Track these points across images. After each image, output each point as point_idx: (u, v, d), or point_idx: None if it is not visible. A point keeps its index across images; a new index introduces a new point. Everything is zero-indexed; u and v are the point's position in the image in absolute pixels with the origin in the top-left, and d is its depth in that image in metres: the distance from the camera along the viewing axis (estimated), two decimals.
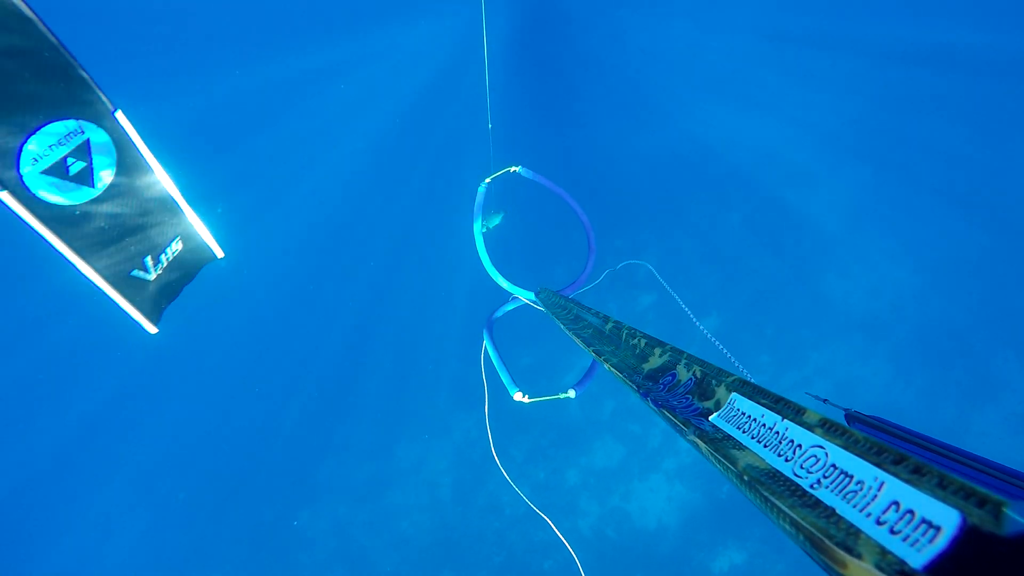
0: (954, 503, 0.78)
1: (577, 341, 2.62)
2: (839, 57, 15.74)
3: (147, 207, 2.50)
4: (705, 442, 1.34)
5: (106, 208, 2.30)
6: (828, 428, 1.11)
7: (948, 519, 0.77)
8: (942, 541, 0.75)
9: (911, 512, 0.83)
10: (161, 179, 2.53)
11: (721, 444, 1.31)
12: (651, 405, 1.69)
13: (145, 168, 2.44)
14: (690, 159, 16.91)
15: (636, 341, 2.19)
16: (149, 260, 2.58)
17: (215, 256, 2.96)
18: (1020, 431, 13.16)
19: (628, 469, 15.18)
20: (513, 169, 5.03)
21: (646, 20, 16.49)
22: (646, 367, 1.99)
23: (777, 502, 1.03)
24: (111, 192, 2.31)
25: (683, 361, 1.78)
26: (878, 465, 0.94)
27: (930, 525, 0.78)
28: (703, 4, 16.28)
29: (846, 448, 1.03)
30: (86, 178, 2.21)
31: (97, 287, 2.34)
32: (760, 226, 16.17)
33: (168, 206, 2.62)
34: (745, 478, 1.14)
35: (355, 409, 17.12)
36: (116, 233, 2.36)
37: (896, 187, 15.54)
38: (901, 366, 14.50)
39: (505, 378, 4.19)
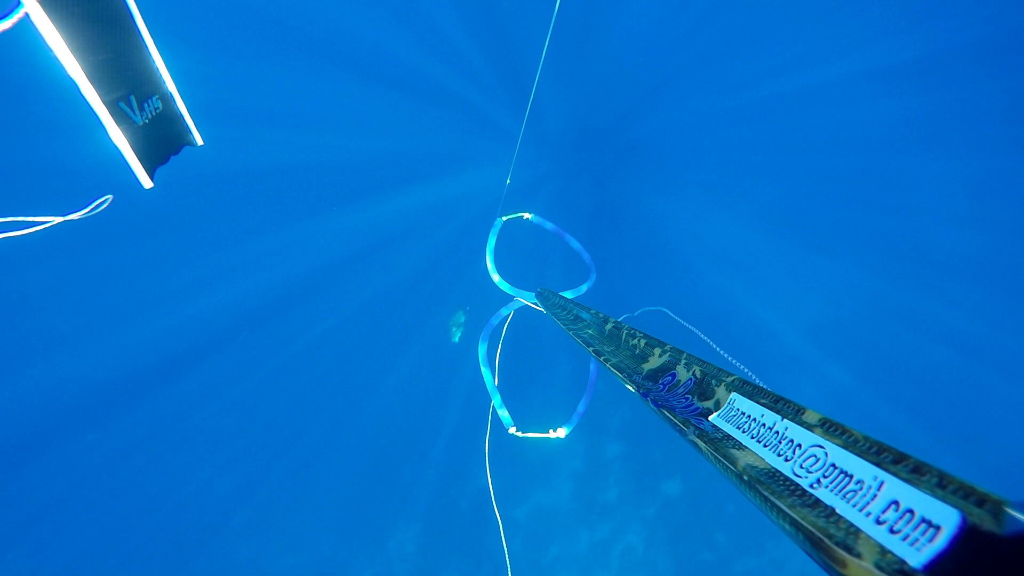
0: (954, 502, 0.78)
1: (577, 341, 2.62)
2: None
3: (126, 49, 2.42)
4: (705, 442, 1.34)
5: (83, 16, 2.16)
6: (828, 428, 1.11)
7: (948, 518, 0.77)
8: (942, 540, 0.75)
9: (911, 511, 0.83)
10: (144, 36, 2.46)
11: (721, 444, 1.31)
12: (651, 405, 1.69)
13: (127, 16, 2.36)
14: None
15: (636, 341, 2.18)
16: (134, 99, 2.48)
17: (195, 141, 2.91)
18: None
19: (573, 511, 15.24)
20: (526, 216, 5.39)
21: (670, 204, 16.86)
22: (646, 367, 1.99)
23: (777, 502, 1.03)
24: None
25: (683, 361, 1.78)
26: (878, 464, 0.94)
27: (930, 524, 0.78)
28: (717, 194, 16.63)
29: (846, 448, 1.03)
30: None
31: (89, 106, 2.25)
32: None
33: (148, 62, 2.54)
34: (745, 478, 1.14)
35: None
36: (98, 48, 2.24)
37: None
38: (850, 409, 14.66)
39: (498, 403, 4.32)
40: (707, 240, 16.86)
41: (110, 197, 4.05)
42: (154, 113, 2.63)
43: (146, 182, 2.61)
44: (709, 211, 16.82)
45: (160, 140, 2.71)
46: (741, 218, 16.67)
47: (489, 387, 4.50)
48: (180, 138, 2.85)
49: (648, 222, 17.15)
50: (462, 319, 8.34)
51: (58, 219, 2.83)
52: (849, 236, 15.80)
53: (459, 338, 8.48)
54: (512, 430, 4.26)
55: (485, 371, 4.59)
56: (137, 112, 2.50)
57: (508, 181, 6.10)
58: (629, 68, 15.42)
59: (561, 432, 4.32)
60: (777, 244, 16.41)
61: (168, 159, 2.77)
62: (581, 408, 4.58)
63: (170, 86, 2.71)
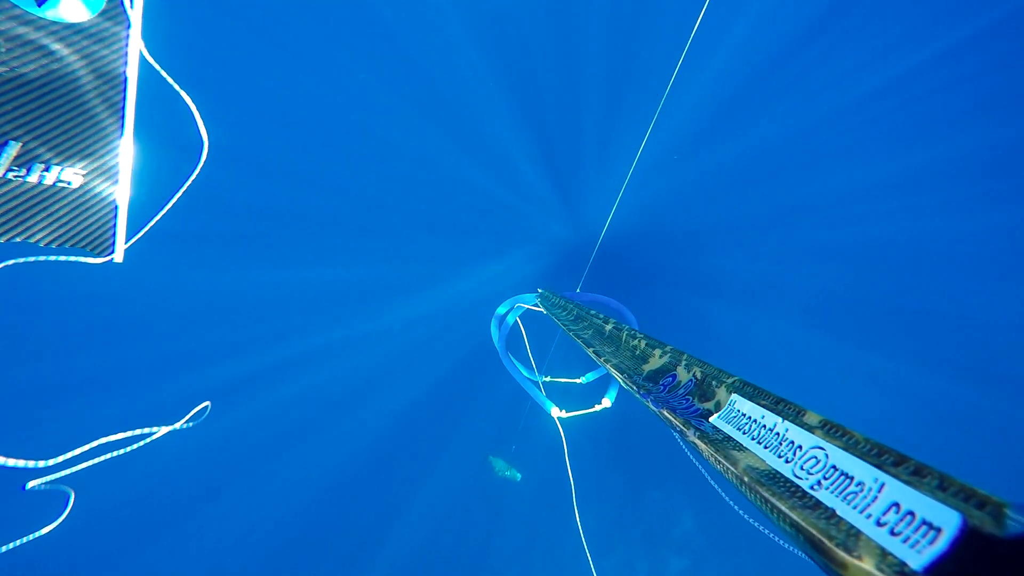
0: (955, 504, 0.78)
1: (578, 342, 2.62)
2: None
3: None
4: (705, 443, 1.34)
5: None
6: (829, 429, 1.11)
7: (949, 520, 0.76)
8: (943, 543, 0.75)
9: (911, 513, 0.83)
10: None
11: (722, 445, 1.31)
12: (651, 406, 1.69)
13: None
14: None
15: (636, 342, 2.18)
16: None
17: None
18: None
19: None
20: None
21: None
22: (646, 368, 1.99)
23: (778, 503, 1.03)
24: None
25: (683, 362, 1.78)
26: (878, 466, 0.94)
27: (931, 527, 0.78)
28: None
29: (846, 449, 1.03)
30: None
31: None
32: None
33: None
34: (746, 479, 1.14)
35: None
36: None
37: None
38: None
39: (537, 393, 4.26)
40: (752, 340, 16.64)
41: (208, 404, 4.11)
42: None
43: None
44: (750, 310, 16.52)
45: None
46: (785, 316, 16.33)
47: (522, 381, 4.43)
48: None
49: (688, 323, 16.95)
50: (504, 468, 8.36)
51: (166, 428, 2.89)
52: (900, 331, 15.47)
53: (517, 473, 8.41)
54: (556, 411, 4.13)
55: (516, 370, 4.52)
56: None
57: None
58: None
59: (606, 402, 4.23)
60: (823, 342, 16.19)
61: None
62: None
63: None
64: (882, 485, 0.91)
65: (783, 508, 1.00)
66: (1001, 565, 0.69)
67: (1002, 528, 0.70)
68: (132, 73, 2.15)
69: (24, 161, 2.08)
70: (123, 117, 2.19)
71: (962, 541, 0.74)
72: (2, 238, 2.13)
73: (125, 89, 2.18)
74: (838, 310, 15.47)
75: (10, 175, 2.07)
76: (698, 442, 1.37)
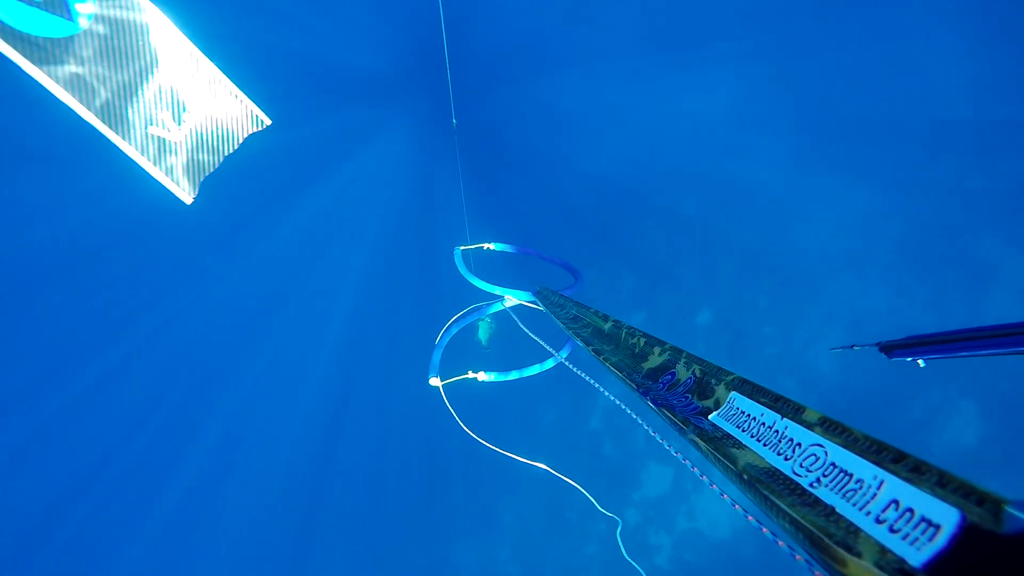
0: (954, 501, 0.78)
1: (576, 340, 2.62)
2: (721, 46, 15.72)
3: (154, 52, 2.22)
4: (705, 441, 1.34)
5: (94, 46, 2.01)
6: (827, 426, 1.11)
7: (948, 517, 0.77)
8: (942, 539, 0.75)
9: (911, 510, 0.83)
10: (162, 21, 2.23)
11: (721, 443, 1.31)
12: (650, 404, 1.69)
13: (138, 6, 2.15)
14: (628, 174, 16.91)
15: (635, 340, 2.18)
16: (167, 116, 2.35)
17: (261, 122, 2.68)
18: None
19: (682, 488, 15.04)
20: (487, 246, 5.48)
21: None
22: (645, 366, 1.99)
23: (777, 501, 1.03)
24: (99, 26, 2.02)
25: (682, 360, 1.78)
26: (877, 463, 0.94)
27: (930, 523, 0.78)
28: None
29: (845, 446, 1.03)
30: (59, 6, 1.93)
31: (113, 144, 2.15)
32: (714, 208, 16.10)
33: (183, 54, 2.32)
34: (745, 477, 1.14)
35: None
36: (116, 77, 2.10)
37: (819, 123, 15.44)
38: (898, 286, 14.37)
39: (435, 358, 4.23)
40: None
41: (619, 521, 4.37)
42: (201, 117, 2.49)
43: (186, 199, 2.51)
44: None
45: (210, 141, 2.56)
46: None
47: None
48: (238, 132, 2.62)
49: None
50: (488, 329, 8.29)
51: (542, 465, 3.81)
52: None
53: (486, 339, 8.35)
54: (434, 381, 4.09)
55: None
56: (172, 127, 2.39)
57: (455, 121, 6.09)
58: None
59: (482, 375, 4.21)
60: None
61: (222, 159, 2.63)
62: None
63: (221, 76, 2.50)
64: (881, 482, 0.91)
65: (782, 505, 1.01)
66: (1000, 561, 0.69)
67: (1001, 525, 0.71)
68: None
69: (178, 119, 2.43)
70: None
71: (961, 538, 0.74)
72: (212, 168, 2.59)
73: None
74: None
75: (183, 132, 2.39)
76: (697, 439, 1.37)
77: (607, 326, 2.55)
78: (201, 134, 2.49)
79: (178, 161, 2.41)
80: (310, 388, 18.10)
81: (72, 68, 1.98)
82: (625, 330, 2.32)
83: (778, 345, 14.86)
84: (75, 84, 2.00)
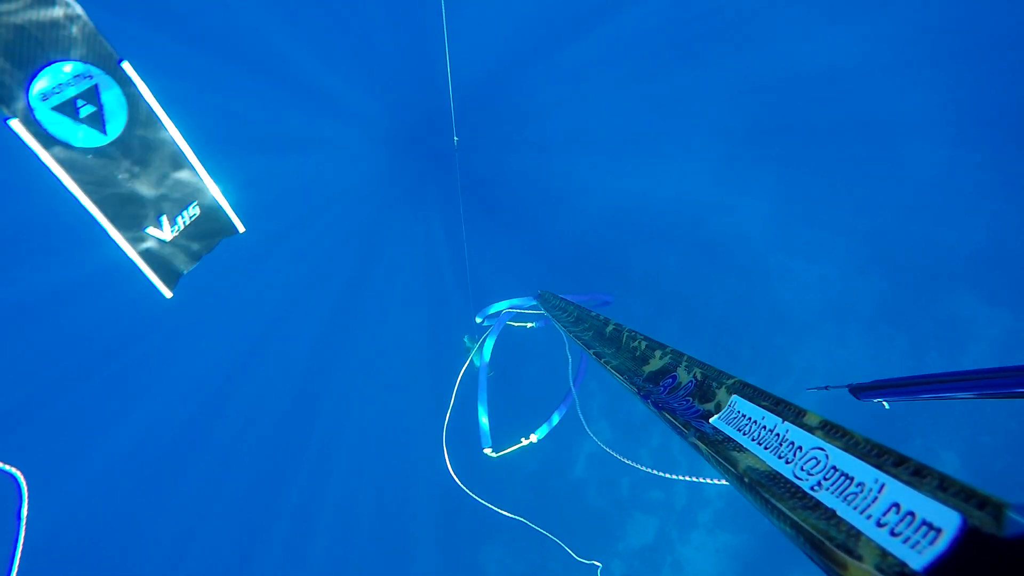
0: (955, 505, 0.78)
1: (578, 343, 2.62)
2: (706, 78, 16.11)
3: (162, 165, 2.58)
4: (706, 444, 1.34)
5: (118, 157, 2.38)
6: (829, 430, 1.11)
7: (949, 521, 0.77)
8: (943, 543, 0.75)
9: (912, 514, 0.83)
10: (175, 138, 2.59)
11: (722, 446, 1.31)
12: (651, 407, 1.69)
13: (157, 124, 2.50)
14: (610, 230, 17.28)
15: (637, 343, 2.18)
16: (165, 219, 2.65)
17: (235, 229, 2.99)
18: (1008, 356, 13.52)
19: (667, 537, 15.09)
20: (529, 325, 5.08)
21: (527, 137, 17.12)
22: (647, 369, 1.99)
23: (778, 504, 1.03)
24: (123, 142, 2.38)
25: (684, 363, 1.78)
26: (879, 467, 0.94)
27: (931, 527, 0.78)
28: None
29: (847, 450, 1.03)
30: (97, 122, 2.28)
31: (111, 238, 2.43)
32: (695, 263, 16.52)
33: (182, 168, 2.68)
34: (746, 480, 1.14)
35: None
36: (130, 185, 2.45)
37: (802, 184, 15.94)
38: (876, 337, 14.77)
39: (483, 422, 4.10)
40: None
41: (599, 565, 4.51)
42: (189, 220, 2.78)
43: (166, 293, 2.74)
44: None
45: (193, 245, 2.86)
46: None
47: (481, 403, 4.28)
48: (217, 233, 2.95)
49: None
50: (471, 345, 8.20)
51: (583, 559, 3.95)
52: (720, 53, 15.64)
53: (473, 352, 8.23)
54: (488, 451, 4.01)
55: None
56: (167, 228, 2.67)
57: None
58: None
59: (533, 438, 4.11)
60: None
61: (200, 258, 2.91)
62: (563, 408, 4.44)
63: (208, 184, 2.81)
64: (882, 486, 0.91)
65: (783, 509, 1.01)
66: (1001, 565, 0.69)
67: (1002, 528, 0.71)
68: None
69: (172, 221, 2.73)
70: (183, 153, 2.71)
71: (962, 541, 0.74)
72: (193, 265, 2.86)
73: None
74: None
75: (174, 232, 2.72)
76: (698, 443, 1.37)
77: (608, 329, 2.55)
78: (186, 237, 2.79)
79: (165, 259, 2.73)
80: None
81: (95, 174, 2.35)
82: (626, 333, 2.33)
83: None
84: (95, 190, 2.36)
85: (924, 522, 0.80)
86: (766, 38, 15.32)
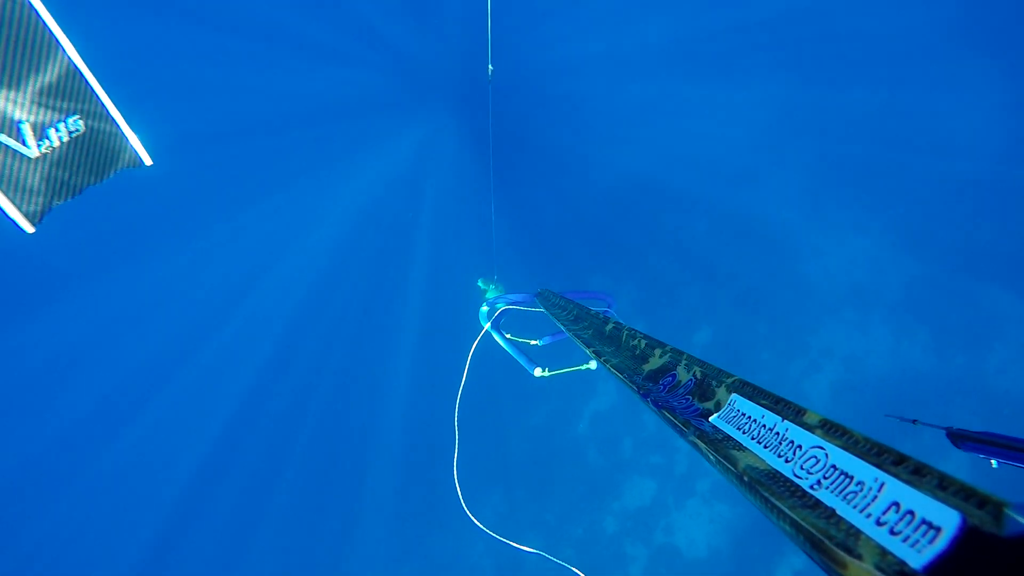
0: (954, 504, 0.78)
1: (577, 342, 2.63)
2: (752, 56, 15.89)
3: (28, 54, 1.99)
4: (705, 443, 1.34)
5: None
6: (828, 429, 1.11)
7: (948, 520, 0.77)
8: (942, 542, 0.75)
9: (911, 513, 0.83)
10: (48, 23, 2.04)
11: (721, 445, 1.31)
12: (651, 406, 1.69)
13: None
14: (643, 188, 17.08)
15: (636, 342, 2.18)
16: (28, 129, 2.06)
17: (140, 161, 2.45)
18: None
19: (663, 502, 15.05)
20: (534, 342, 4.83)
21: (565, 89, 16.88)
22: (646, 368, 1.99)
23: (777, 503, 1.03)
24: None
25: (683, 362, 1.78)
26: (878, 466, 0.94)
27: (930, 526, 0.79)
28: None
29: (846, 449, 1.03)
30: None
31: None
32: (725, 231, 16.24)
33: (58, 63, 2.09)
34: (745, 479, 1.14)
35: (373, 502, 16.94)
36: None
37: (839, 160, 15.65)
38: (900, 326, 14.47)
39: (520, 357, 4.10)
40: None
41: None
42: (67, 138, 2.17)
43: (27, 227, 2.12)
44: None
45: (72, 170, 2.24)
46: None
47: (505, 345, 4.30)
48: (111, 162, 2.37)
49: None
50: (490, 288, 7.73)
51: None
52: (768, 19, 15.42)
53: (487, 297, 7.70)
54: (539, 371, 3.97)
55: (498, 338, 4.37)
56: (31, 144, 2.05)
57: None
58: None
59: (592, 364, 4.00)
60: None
61: (83, 190, 2.30)
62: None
63: (104, 100, 2.27)
64: (882, 484, 0.91)
65: (783, 508, 1.01)
66: (1000, 564, 0.70)
67: (1001, 527, 0.71)
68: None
69: (40, 133, 2.09)
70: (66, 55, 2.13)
71: (962, 540, 0.74)
72: (68, 198, 2.20)
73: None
74: None
75: (43, 148, 2.08)
76: (698, 441, 1.37)
77: (608, 328, 2.55)
78: (63, 159, 2.19)
79: (28, 182, 2.09)
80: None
81: None
82: (626, 332, 2.32)
83: (773, 372, 15.01)
84: None
85: (924, 521, 0.80)
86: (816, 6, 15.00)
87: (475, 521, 4.23)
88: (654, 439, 15.08)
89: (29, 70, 2.04)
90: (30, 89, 2.06)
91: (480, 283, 7.44)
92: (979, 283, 14.04)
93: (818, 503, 0.99)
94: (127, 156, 2.40)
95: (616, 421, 15.34)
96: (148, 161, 2.47)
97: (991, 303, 13.94)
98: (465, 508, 4.29)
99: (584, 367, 4.05)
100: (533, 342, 4.53)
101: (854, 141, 15.47)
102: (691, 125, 16.58)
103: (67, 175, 2.21)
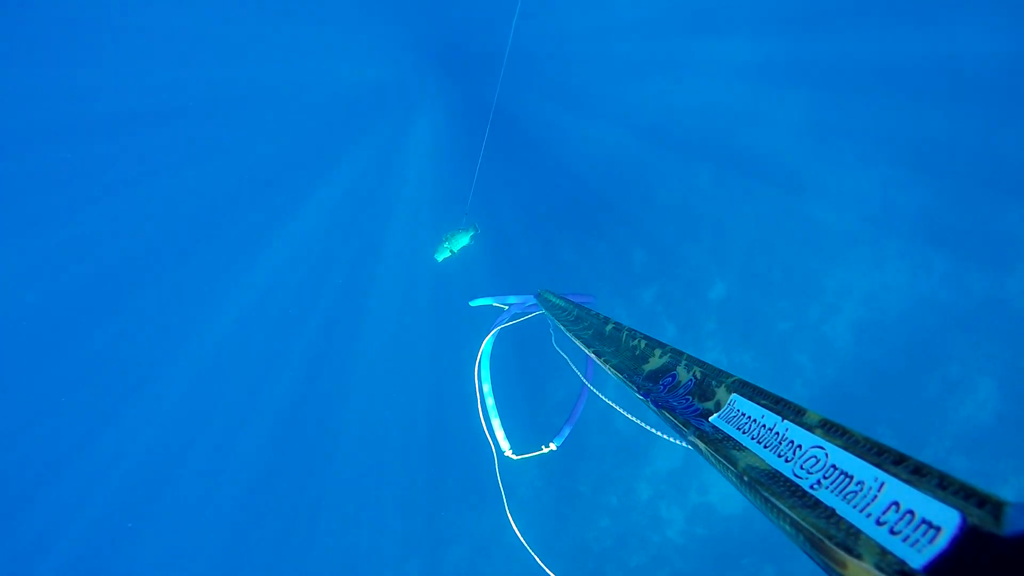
0: (954, 503, 0.78)
1: (577, 342, 2.62)
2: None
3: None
4: (705, 443, 1.34)
5: None
6: (828, 429, 1.11)
7: (948, 519, 0.77)
8: (942, 541, 0.75)
9: (911, 512, 0.83)
10: None
11: (721, 445, 1.31)
12: (651, 406, 1.70)
13: None
14: (640, 148, 16.43)
15: (636, 342, 2.18)
16: None
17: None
18: None
19: (694, 462, 14.87)
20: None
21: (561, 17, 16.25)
22: (646, 368, 1.99)
23: (777, 503, 1.03)
24: None
25: (683, 362, 1.79)
26: (878, 465, 0.94)
27: (930, 525, 0.78)
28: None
29: (846, 448, 1.03)
30: None
31: None
32: (727, 178, 15.69)
33: None
34: (745, 479, 1.14)
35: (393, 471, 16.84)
36: None
37: (841, 94, 14.97)
38: (916, 258, 14.04)
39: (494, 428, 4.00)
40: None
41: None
42: None
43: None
44: None
45: None
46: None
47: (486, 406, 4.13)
48: None
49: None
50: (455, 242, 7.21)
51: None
52: None
53: (441, 258, 7.20)
54: (508, 453, 3.92)
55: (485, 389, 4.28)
56: None
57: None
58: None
59: (552, 446, 3.94)
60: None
61: None
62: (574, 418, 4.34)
63: None
64: (882, 484, 0.91)
65: (783, 507, 1.01)
66: (1000, 564, 0.69)
67: (1001, 527, 0.71)
68: None
69: None
70: None
71: (961, 540, 0.74)
72: None
73: None
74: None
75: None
76: (698, 441, 1.37)
77: (608, 328, 2.55)
78: None
79: None
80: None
81: None
82: (626, 332, 2.33)
83: (792, 320, 14.75)
84: None
85: (923, 520, 0.80)
86: None
87: (517, 534, 4.16)
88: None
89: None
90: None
91: (444, 239, 6.89)
92: (997, 201, 13.34)
93: (818, 503, 0.99)
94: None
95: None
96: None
97: (1008, 224, 13.29)
98: (511, 520, 4.24)
99: (546, 450, 3.95)
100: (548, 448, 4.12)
101: (854, 57, 14.69)
102: (686, 76, 16.00)
103: None
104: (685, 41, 15.81)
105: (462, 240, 7.17)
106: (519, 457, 3.98)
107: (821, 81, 15.13)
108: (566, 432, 4.08)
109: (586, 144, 16.91)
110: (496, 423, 4.05)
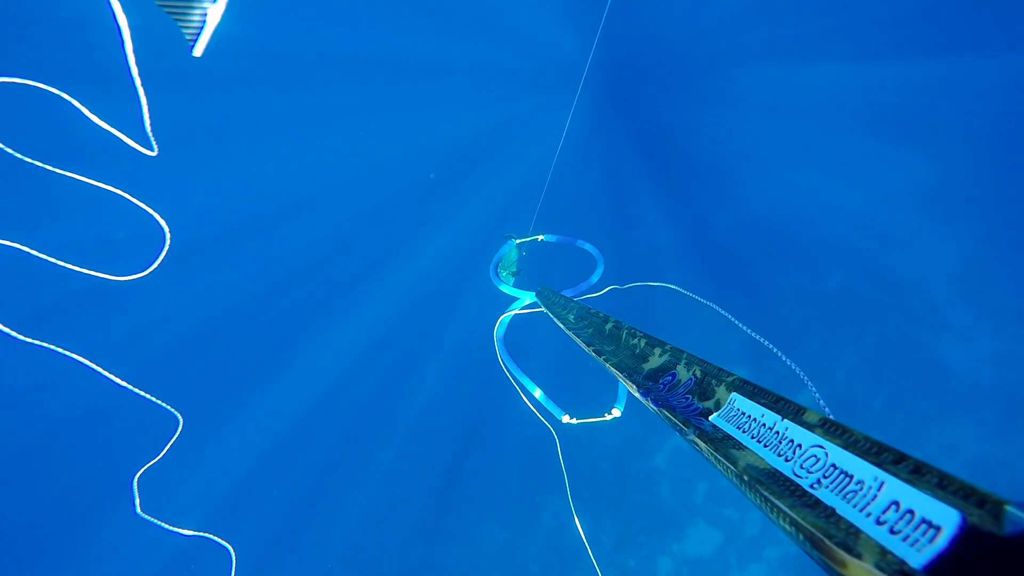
0: (954, 503, 0.78)
1: (577, 341, 2.62)
2: (925, 107, 13.94)
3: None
4: (705, 442, 1.34)
5: None
6: (828, 428, 1.11)
7: (948, 519, 0.77)
8: (942, 541, 0.75)
9: (911, 512, 0.83)
10: None
11: (721, 444, 1.31)
12: (651, 405, 1.69)
13: None
14: (776, 228, 15.47)
15: (636, 341, 2.18)
16: None
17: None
18: None
19: (725, 558, 14.10)
20: (540, 238, 5.37)
21: (721, 91, 15.59)
22: (646, 367, 1.99)
23: (777, 502, 1.03)
24: None
25: (683, 361, 1.78)
26: (878, 465, 0.94)
27: (930, 525, 0.78)
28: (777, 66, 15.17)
29: (846, 448, 1.03)
30: None
31: None
32: (859, 292, 14.29)
33: None
34: (745, 478, 1.14)
35: (440, 492, 16.56)
36: None
37: (1010, 243, 13.15)
38: None
39: (547, 401, 3.99)
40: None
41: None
42: None
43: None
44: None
45: None
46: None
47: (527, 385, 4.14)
48: None
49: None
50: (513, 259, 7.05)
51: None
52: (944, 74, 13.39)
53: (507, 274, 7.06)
54: (566, 418, 3.89)
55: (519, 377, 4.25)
56: None
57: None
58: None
59: (616, 412, 3.84)
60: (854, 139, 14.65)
61: None
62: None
63: None
64: (881, 483, 0.91)
65: (783, 507, 1.01)
66: (1000, 563, 0.69)
67: (1001, 526, 0.71)
68: None
69: None
70: None
71: (961, 539, 0.74)
72: None
73: None
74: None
75: None
76: (698, 440, 1.37)
77: (608, 327, 2.55)
78: None
79: None
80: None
81: None
82: (626, 331, 2.33)
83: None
84: None
85: (923, 520, 0.80)
86: None
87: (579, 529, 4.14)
88: (731, 491, 14.05)
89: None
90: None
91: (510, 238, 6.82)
92: None
93: (818, 502, 0.99)
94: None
95: (696, 462, 14.50)
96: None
97: None
98: (583, 538, 4.19)
99: (609, 417, 3.87)
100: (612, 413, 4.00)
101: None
102: (848, 172, 14.93)
103: None
104: (864, 142, 14.56)
105: (511, 256, 7.01)
106: (579, 422, 3.89)
107: (995, 220, 13.33)
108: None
109: (731, 202, 16.03)
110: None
